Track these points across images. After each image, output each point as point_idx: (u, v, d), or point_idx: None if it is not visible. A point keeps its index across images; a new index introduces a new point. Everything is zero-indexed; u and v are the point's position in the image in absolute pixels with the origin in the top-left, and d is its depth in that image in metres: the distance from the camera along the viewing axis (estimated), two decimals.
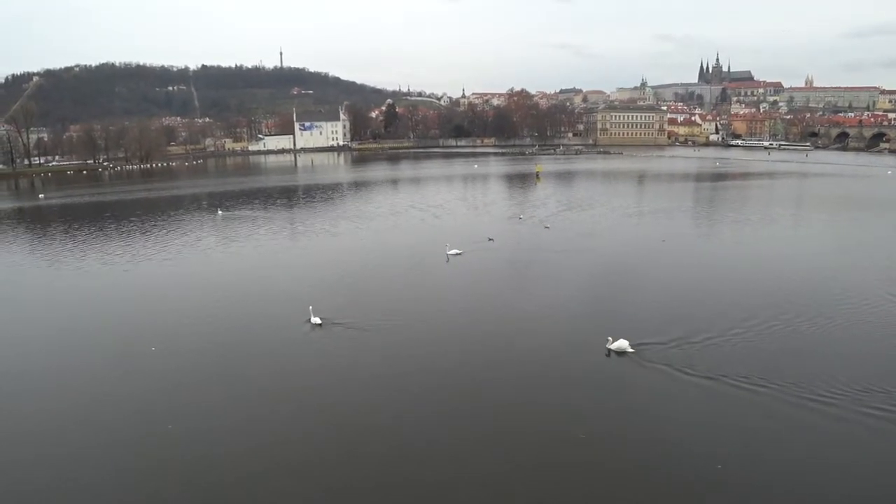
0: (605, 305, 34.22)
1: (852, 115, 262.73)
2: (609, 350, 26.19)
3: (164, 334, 30.51)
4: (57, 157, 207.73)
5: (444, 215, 67.89)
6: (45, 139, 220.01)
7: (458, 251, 45.09)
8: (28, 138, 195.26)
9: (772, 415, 21.15)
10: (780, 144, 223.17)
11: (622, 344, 26.13)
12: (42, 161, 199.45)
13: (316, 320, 30.08)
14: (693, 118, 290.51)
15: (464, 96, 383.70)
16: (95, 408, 22.97)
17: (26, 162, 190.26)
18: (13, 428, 21.74)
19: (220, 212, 72.41)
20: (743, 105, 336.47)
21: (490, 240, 51.24)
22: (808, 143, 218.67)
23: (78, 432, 21.30)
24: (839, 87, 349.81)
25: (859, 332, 29.02)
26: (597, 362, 25.86)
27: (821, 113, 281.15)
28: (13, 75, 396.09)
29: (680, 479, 18.03)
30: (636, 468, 18.60)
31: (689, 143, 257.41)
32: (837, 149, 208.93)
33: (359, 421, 21.64)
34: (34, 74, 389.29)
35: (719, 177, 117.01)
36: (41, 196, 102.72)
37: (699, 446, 19.66)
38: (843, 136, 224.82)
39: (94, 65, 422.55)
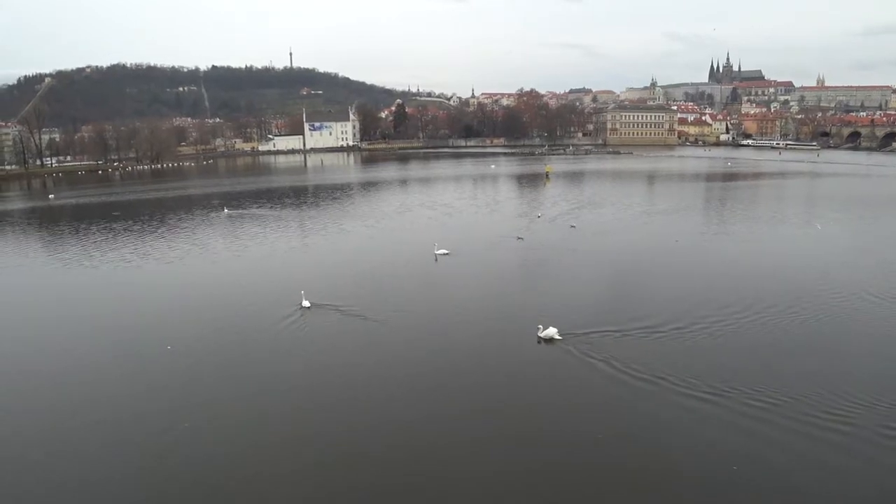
0: (609, 304, 34.03)
1: (864, 114, 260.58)
2: (539, 338, 27.59)
3: (172, 330, 30.69)
4: (68, 158, 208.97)
5: (456, 214, 67.96)
6: (57, 140, 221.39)
7: (446, 251, 45.57)
8: (40, 139, 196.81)
9: (771, 418, 20.93)
10: (787, 144, 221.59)
11: (551, 332, 27.58)
12: (54, 162, 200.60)
13: (306, 304, 33.05)
14: (703, 118, 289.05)
15: (473, 96, 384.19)
16: (109, 408, 22.94)
17: (38, 162, 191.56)
18: (28, 427, 21.77)
19: (226, 210, 73.65)
20: (754, 105, 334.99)
21: (519, 238, 51.35)
22: (814, 143, 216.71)
23: (90, 432, 21.30)
24: (851, 87, 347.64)
25: (855, 333, 29.00)
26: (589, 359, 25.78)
27: (832, 112, 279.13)
28: (25, 76, 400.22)
29: (694, 479, 17.98)
30: (646, 467, 18.51)
31: (700, 142, 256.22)
32: (849, 148, 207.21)
33: (347, 410, 22.33)
34: (46, 76, 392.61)
35: (731, 177, 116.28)
36: (51, 196, 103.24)
37: (711, 447, 19.51)
38: (854, 135, 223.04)
39: (105, 66, 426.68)
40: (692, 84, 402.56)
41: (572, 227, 56.98)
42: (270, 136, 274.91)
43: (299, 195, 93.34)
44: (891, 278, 37.41)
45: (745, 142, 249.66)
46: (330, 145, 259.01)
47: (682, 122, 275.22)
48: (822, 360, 25.47)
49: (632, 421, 21.08)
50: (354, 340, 29.10)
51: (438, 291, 37.61)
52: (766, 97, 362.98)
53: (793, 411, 20.97)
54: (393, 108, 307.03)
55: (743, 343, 27.46)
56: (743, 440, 19.45)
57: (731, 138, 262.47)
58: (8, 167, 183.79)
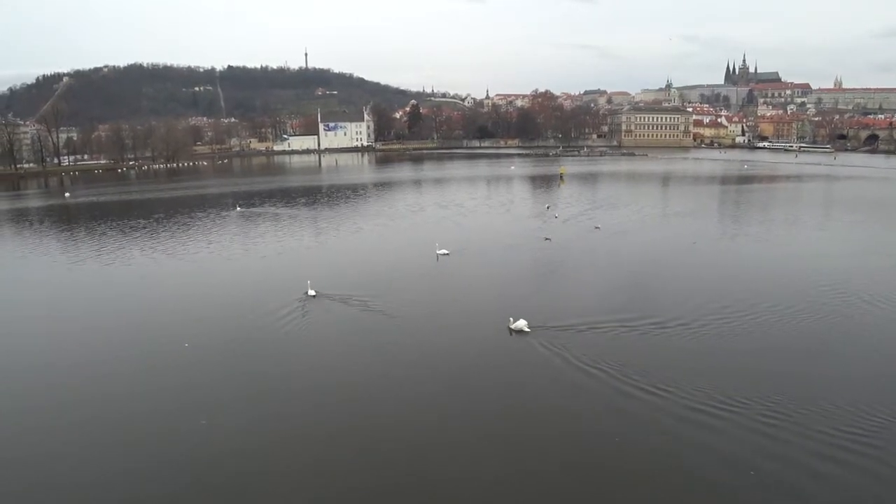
0: (608, 302, 33.81)
1: (882, 116, 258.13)
2: (511, 329, 28.81)
3: (188, 327, 30.91)
4: (85, 157, 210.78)
5: (469, 214, 67.93)
6: (75, 138, 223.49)
7: (447, 251, 45.97)
8: (58, 137, 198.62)
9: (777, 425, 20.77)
10: (801, 146, 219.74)
11: (521, 324, 28.82)
12: (71, 160, 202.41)
13: (312, 292, 35.31)
14: (719, 120, 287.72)
15: (488, 97, 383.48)
16: (128, 405, 22.97)
17: (55, 161, 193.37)
18: (45, 422, 21.84)
19: (238, 208, 74.50)
20: (770, 107, 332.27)
21: (547, 239, 51.21)
22: (828, 146, 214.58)
23: (107, 429, 21.35)
24: (869, 89, 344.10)
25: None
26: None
27: (850, 115, 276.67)
28: (44, 76, 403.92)
29: (708, 483, 17.81)
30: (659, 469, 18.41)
31: (715, 144, 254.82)
32: (867, 151, 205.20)
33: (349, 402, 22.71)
34: (64, 75, 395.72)
35: (748, 179, 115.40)
36: (67, 195, 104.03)
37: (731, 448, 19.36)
38: (872, 138, 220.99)
39: (122, 65, 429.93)
40: (708, 86, 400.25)
41: (597, 228, 56.45)
42: (285, 136, 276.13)
43: (312, 195, 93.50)
44: None
45: (760, 144, 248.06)
46: (344, 145, 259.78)
47: (698, 123, 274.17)
48: (837, 366, 25.16)
49: (640, 423, 20.86)
50: (354, 332, 30.23)
51: (433, 289, 38.28)
52: (783, 99, 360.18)
53: (811, 420, 20.70)
54: (407, 109, 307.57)
55: (757, 345, 27.21)
56: (760, 444, 19.21)
57: (746, 140, 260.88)
58: (26, 165, 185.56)
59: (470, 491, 17.63)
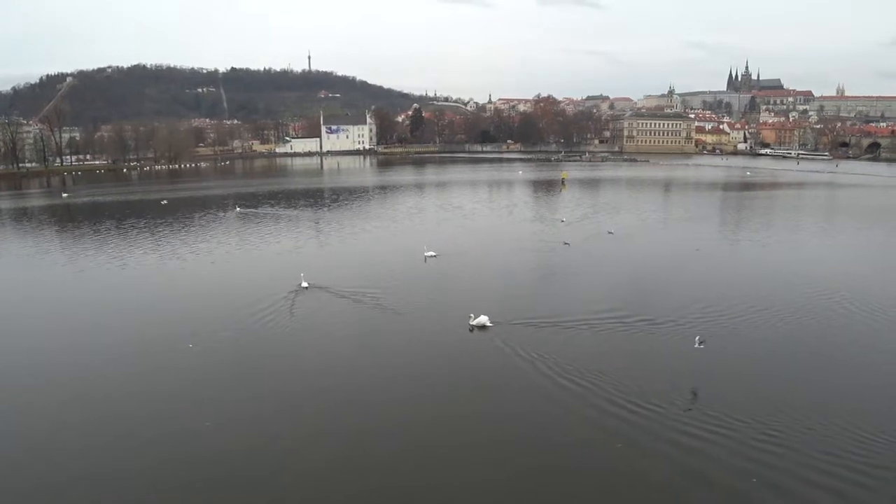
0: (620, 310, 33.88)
1: (884, 124, 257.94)
2: (472, 326, 29.72)
3: (191, 325, 31.08)
4: (88, 157, 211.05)
5: (473, 218, 68.47)
6: (77, 138, 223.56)
7: (434, 253, 46.50)
8: (60, 137, 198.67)
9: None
10: (799, 154, 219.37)
11: (482, 319, 29.75)
12: (74, 160, 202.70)
13: (304, 284, 37.67)
14: (721, 126, 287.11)
15: (490, 102, 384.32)
16: (130, 404, 23.01)
17: (58, 161, 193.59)
18: (46, 423, 21.83)
19: (237, 209, 75.24)
20: (772, 114, 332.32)
21: (566, 244, 51.13)
22: (826, 153, 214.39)
23: (109, 429, 21.36)
24: (871, 97, 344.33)
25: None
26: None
27: (852, 122, 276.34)
28: (47, 76, 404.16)
29: (713, 488, 17.75)
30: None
31: (717, 151, 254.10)
32: (869, 159, 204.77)
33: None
34: (68, 75, 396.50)
35: (750, 185, 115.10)
36: (64, 195, 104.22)
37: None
38: (874, 146, 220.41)
39: (125, 66, 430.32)
40: (710, 92, 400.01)
41: (610, 232, 56.52)
42: (287, 139, 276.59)
43: (313, 197, 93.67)
44: None
45: (763, 151, 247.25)
46: (346, 148, 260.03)
47: (700, 130, 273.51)
48: (840, 373, 25.17)
49: (640, 427, 20.77)
50: (339, 322, 32.10)
51: (419, 287, 39.03)
52: (785, 106, 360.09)
53: (813, 427, 20.66)
54: (410, 113, 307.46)
55: (759, 350, 27.18)
56: (762, 450, 19.16)
57: (748, 147, 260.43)
58: (29, 165, 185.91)
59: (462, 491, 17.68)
